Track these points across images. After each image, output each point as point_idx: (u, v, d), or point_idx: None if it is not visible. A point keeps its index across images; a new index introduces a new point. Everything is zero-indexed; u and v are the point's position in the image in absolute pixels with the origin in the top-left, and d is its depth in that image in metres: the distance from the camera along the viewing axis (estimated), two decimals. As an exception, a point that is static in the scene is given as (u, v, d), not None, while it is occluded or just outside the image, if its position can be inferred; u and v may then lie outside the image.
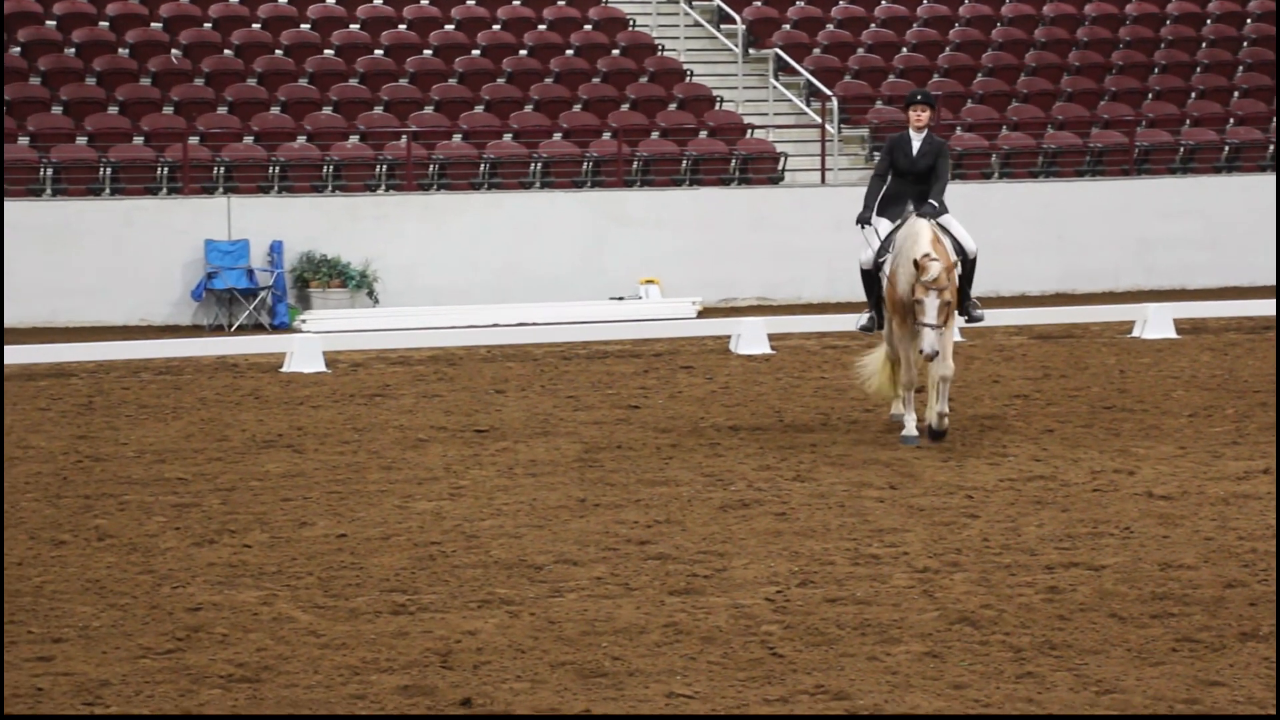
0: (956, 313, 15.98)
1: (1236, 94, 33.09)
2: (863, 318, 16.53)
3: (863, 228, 16.11)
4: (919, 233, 15.44)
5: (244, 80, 29.75)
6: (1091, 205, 30.18)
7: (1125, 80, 32.92)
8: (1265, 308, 25.63)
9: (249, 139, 28.71)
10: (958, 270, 15.69)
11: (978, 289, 16.71)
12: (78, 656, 9.81)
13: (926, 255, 15.20)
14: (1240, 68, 33.73)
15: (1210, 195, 30.64)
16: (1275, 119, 32.31)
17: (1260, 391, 18.74)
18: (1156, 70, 33.33)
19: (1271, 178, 31.05)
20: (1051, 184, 30.58)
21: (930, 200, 15.76)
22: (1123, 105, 32.27)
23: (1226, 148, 31.73)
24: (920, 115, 15.98)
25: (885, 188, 16.07)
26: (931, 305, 15.15)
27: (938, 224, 15.71)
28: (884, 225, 15.99)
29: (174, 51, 29.90)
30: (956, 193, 29.35)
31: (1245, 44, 34.10)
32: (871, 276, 16.10)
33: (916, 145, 15.98)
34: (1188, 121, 32.15)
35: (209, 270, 26.72)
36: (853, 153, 31.03)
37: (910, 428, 15.77)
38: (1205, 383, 19.53)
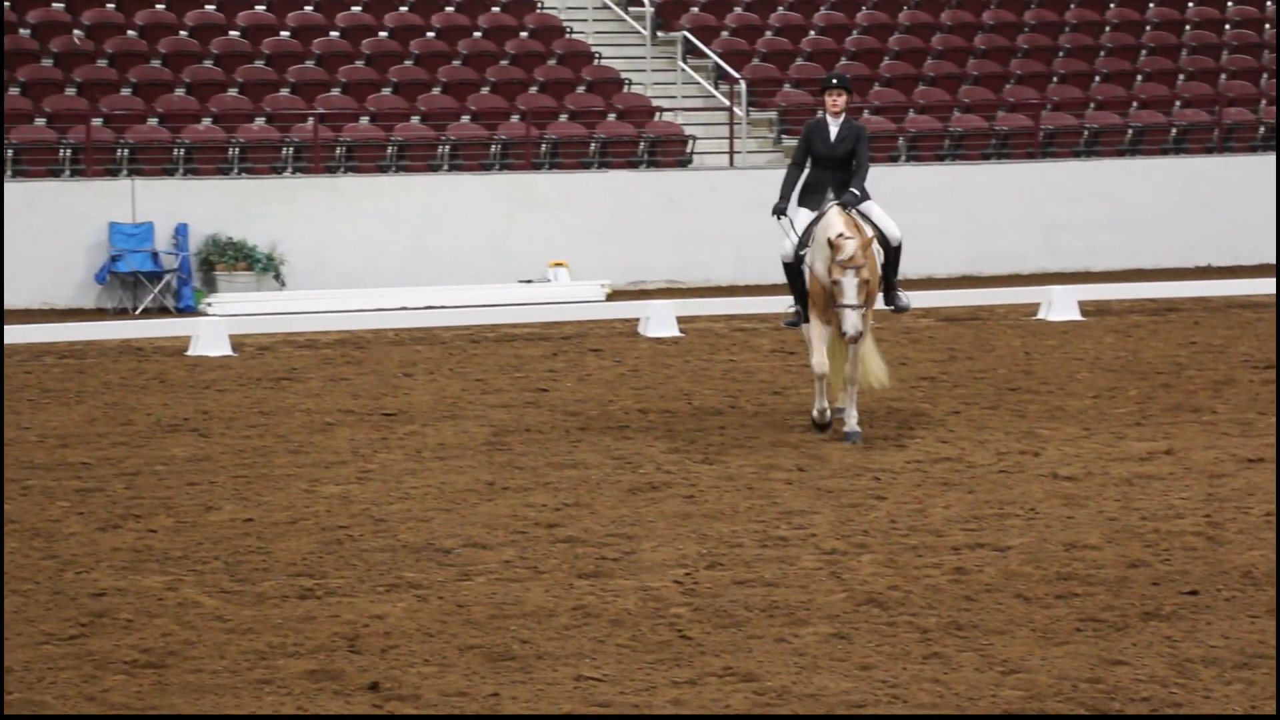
0: (870, 317, 15.44)
1: (1139, 78, 33.37)
2: (789, 312, 16.03)
3: (778, 219, 15.47)
4: (833, 217, 15.03)
5: (148, 62, 29.48)
6: (997, 188, 30.37)
7: (1030, 64, 33.13)
8: (1168, 290, 25.88)
9: (153, 121, 28.45)
10: (880, 257, 15.34)
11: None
12: (-20, 643, 9.71)
13: (840, 234, 14.78)
14: (1143, 52, 34.01)
15: (1114, 178, 30.88)
16: (1176, 103, 32.60)
17: (1163, 373, 18.92)
18: (1060, 54, 33.56)
19: (1172, 160, 31.35)
20: (958, 167, 30.74)
21: (851, 189, 15.26)
22: (1028, 89, 32.47)
23: (1130, 131, 31.99)
24: (837, 100, 15.48)
25: (805, 176, 15.57)
26: (850, 285, 14.77)
27: (859, 212, 15.24)
28: (804, 216, 15.48)
29: (76, 32, 29.59)
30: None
31: (1148, 28, 34.39)
32: (794, 270, 15.59)
33: (834, 131, 15.48)
34: (1092, 105, 32.38)
35: (113, 253, 26.48)
36: (761, 135, 31.09)
37: (851, 424, 15.13)
38: (1109, 364, 19.70)
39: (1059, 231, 30.41)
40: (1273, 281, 26.23)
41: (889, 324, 23.51)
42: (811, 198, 15.46)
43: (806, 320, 15.49)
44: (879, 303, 15.86)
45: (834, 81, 15.58)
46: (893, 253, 15.60)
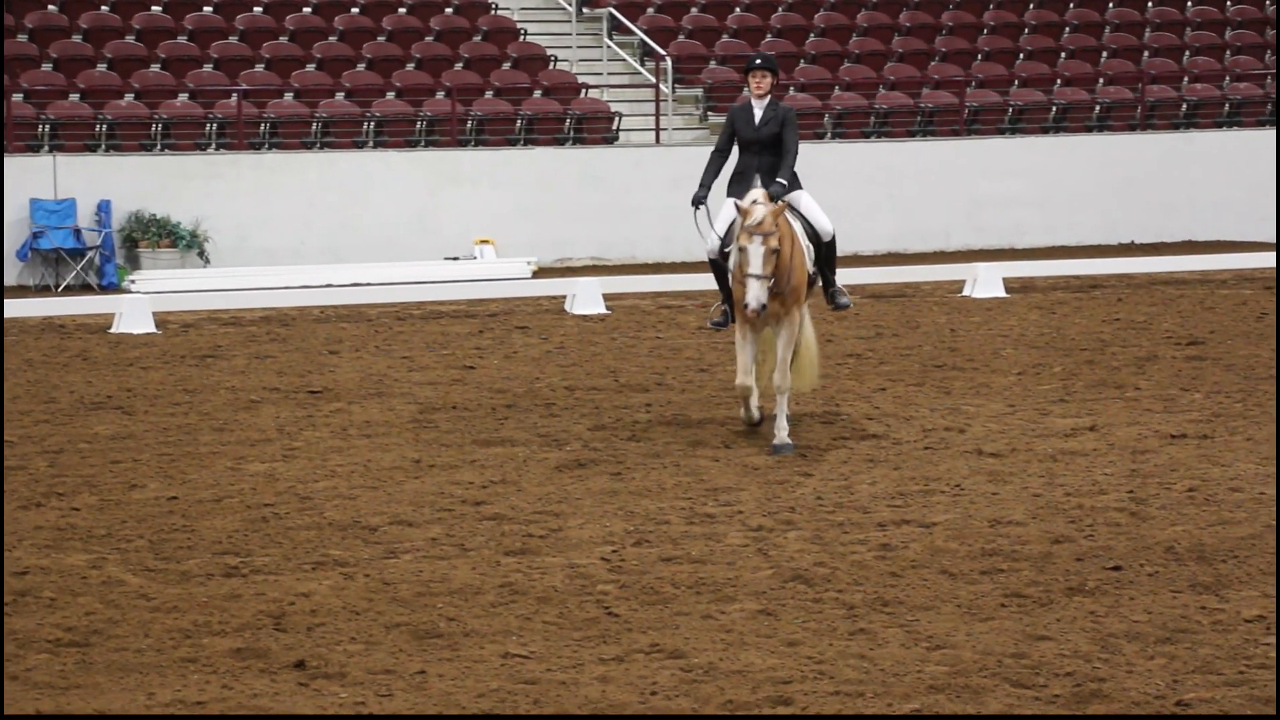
0: (802, 313, 14.21)
1: (1063, 55, 33.54)
2: (715, 313, 14.71)
3: (697, 209, 14.03)
4: (750, 193, 13.75)
5: (70, 37, 29.23)
6: (922, 165, 30.48)
7: (955, 41, 33.25)
8: (1092, 267, 26.05)
9: (75, 96, 28.22)
10: (810, 254, 14.11)
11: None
12: (-99, 623, 9.62)
13: (755, 201, 13.55)
14: (1066, 29, 34.18)
15: (1038, 155, 31.04)
16: (1100, 80, 32.78)
17: (1087, 350, 19.05)
18: (985, 31, 33.69)
19: (1096, 137, 31.54)
20: (883, 144, 30.83)
21: (778, 178, 13.97)
22: (953, 66, 32.60)
23: (1054, 108, 32.15)
24: (761, 81, 14.29)
25: (733, 163, 14.34)
26: (755, 252, 13.36)
27: (787, 204, 13.95)
28: (729, 209, 14.13)
29: (-3, 7, 29.32)
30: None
31: (1071, 5, 34.55)
32: (720, 266, 14.30)
33: (759, 113, 14.25)
34: (1016, 82, 32.53)
35: (34, 230, 26.26)
36: (687, 112, 31.09)
37: (781, 436, 13.88)
38: (1033, 341, 19.81)
39: (984, 209, 30.55)
40: (1193, 259, 26.48)
41: (815, 300, 23.56)
42: (738, 187, 14.15)
43: (734, 321, 14.18)
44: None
45: (758, 62, 14.48)
46: (825, 247, 14.43)
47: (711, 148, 14.44)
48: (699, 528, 11.59)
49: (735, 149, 14.31)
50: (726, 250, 14.03)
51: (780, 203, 13.69)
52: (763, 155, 14.17)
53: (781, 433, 13.87)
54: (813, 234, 14.23)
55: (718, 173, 14.16)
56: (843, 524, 11.64)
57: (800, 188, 14.25)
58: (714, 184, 14.00)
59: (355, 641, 9.29)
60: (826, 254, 14.40)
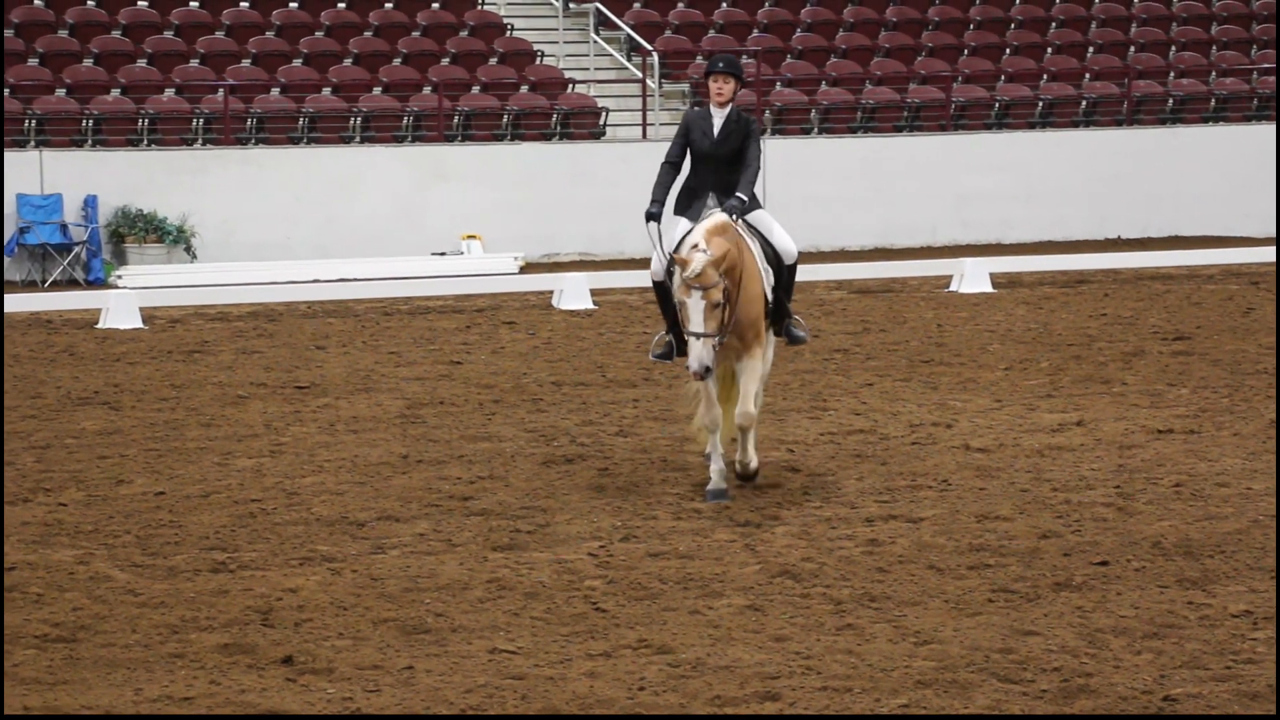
0: (768, 336, 12.68)
1: (1049, 51, 33.56)
2: (658, 344, 12.89)
3: (648, 223, 12.39)
4: (700, 227, 12.15)
5: (56, 31, 29.18)
6: (909, 160, 30.48)
7: (941, 36, 33.26)
8: (1079, 262, 26.07)
9: (61, 91, 28.17)
10: (769, 279, 12.46)
11: (794, 296, 12.95)
12: (-112, 619, 9.61)
13: (695, 247, 11.89)
14: (1053, 25, 34.21)
15: (1025, 150, 31.06)
16: (1085, 75, 32.79)
17: (1074, 345, 19.06)
18: (972, 27, 33.71)
19: (1082, 133, 31.56)
20: (870, 139, 30.83)
21: (737, 194, 12.31)
22: (939, 61, 32.61)
23: (1040, 104, 32.18)
24: (722, 87, 12.55)
25: (685, 177, 12.69)
26: (696, 308, 11.78)
27: (745, 223, 12.44)
28: (681, 226, 12.56)
29: (-17, 1, 29.26)
30: (778, 149, 29.68)
31: (1058, 1, 34.56)
32: (664, 290, 12.57)
33: (718, 124, 12.54)
34: (1003, 77, 32.55)
35: (21, 225, 26.21)
36: (673, 108, 31.07)
37: (716, 479, 12.27)
38: (1020, 336, 19.83)
39: (970, 204, 30.57)
40: (1180, 254, 26.53)
41: (802, 295, 23.58)
42: (690, 204, 12.59)
43: (682, 355, 12.35)
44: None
45: (720, 65, 12.64)
46: (786, 272, 12.69)
47: (662, 160, 12.61)
48: (686, 523, 11.59)
49: (688, 161, 12.65)
50: (673, 271, 12.24)
51: (732, 222, 12.15)
52: (719, 172, 12.51)
53: (749, 466, 12.44)
54: (773, 256, 12.59)
55: (670, 185, 12.59)
56: (830, 519, 11.64)
57: (760, 206, 12.69)
58: (666, 199, 12.55)
59: (343, 637, 9.29)
60: (786, 280, 12.71)
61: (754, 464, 12.53)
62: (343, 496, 12.42)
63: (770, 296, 12.50)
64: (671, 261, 12.12)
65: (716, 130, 12.58)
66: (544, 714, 8.23)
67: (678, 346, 12.56)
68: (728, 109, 12.62)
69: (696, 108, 13.13)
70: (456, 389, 16.79)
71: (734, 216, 12.25)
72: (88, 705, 8.32)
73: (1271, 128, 31.38)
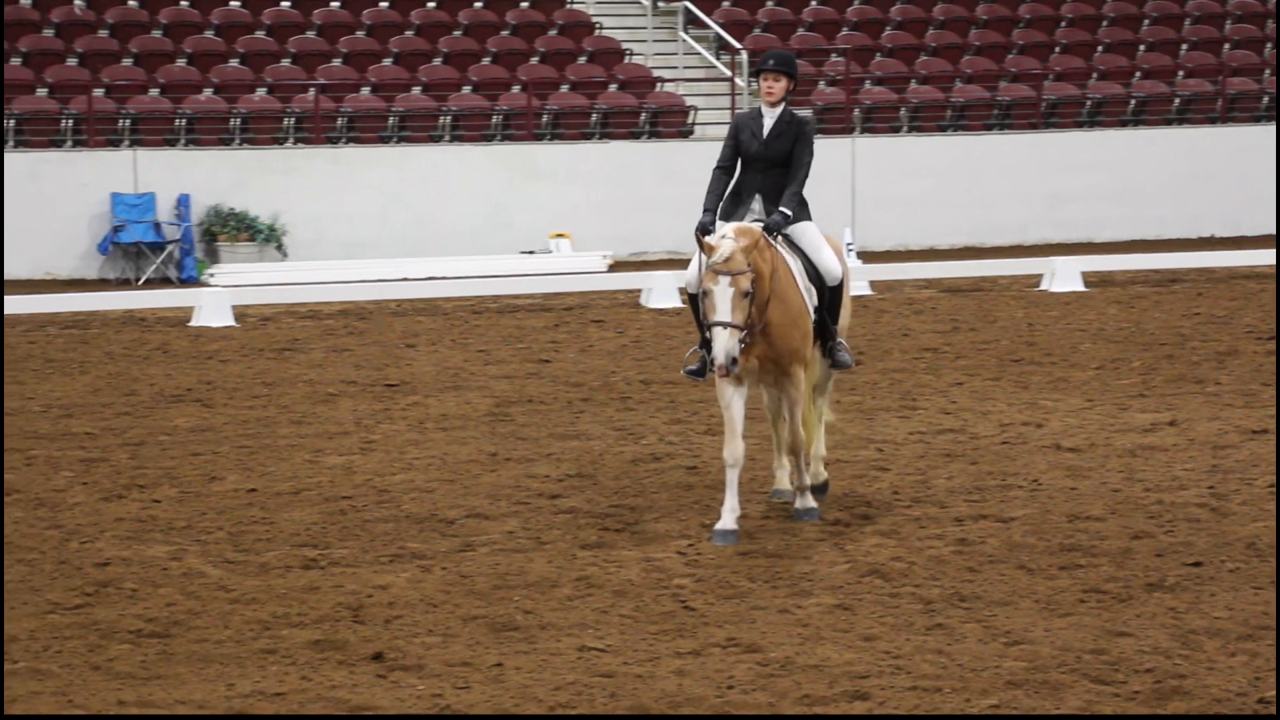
0: (828, 363, 11.90)
1: (1142, 48, 33.31)
2: (691, 359, 11.78)
3: (702, 236, 11.22)
4: (724, 227, 11.26)
5: (149, 32, 29.44)
6: (1000, 159, 30.34)
7: (1032, 34, 33.07)
8: (1172, 260, 25.86)
9: (155, 91, 28.42)
10: (811, 299, 11.56)
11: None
12: (-15, 613, 9.72)
13: (723, 236, 11.05)
14: (1145, 21, 33.94)
15: (1117, 149, 30.85)
16: (1179, 73, 32.53)
17: (1166, 344, 18.91)
18: (1063, 24, 33.50)
19: (1176, 130, 31.31)
20: (960, 137, 30.70)
21: (780, 208, 11.52)
22: (1030, 59, 32.42)
23: (1133, 101, 31.94)
24: (773, 86, 11.75)
25: (733, 182, 11.88)
26: (723, 295, 10.88)
27: (787, 239, 11.61)
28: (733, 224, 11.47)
29: (77, 3, 29.54)
30: (867, 147, 29.64)
31: (1151, -1, 34.34)
32: (698, 303, 11.43)
33: (768, 125, 11.73)
34: (1094, 75, 32.33)
35: (115, 224, 26.47)
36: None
37: (726, 519, 11.17)
38: (1112, 335, 19.69)
39: (1062, 202, 30.39)
40: (1274, 253, 26.23)
41: (891, 294, 23.50)
42: (735, 210, 11.74)
43: (714, 371, 11.19)
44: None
45: (771, 62, 11.85)
46: (830, 293, 11.76)
47: (714, 166, 11.86)
48: (775, 522, 11.57)
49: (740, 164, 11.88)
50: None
51: (762, 233, 11.24)
52: (768, 175, 11.73)
53: (807, 498, 11.65)
54: (815, 275, 11.69)
55: (723, 193, 11.78)
56: (919, 519, 11.60)
57: (808, 215, 11.84)
58: (719, 207, 11.69)
59: (432, 634, 9.33)
60: (831, 301, 11.78)
61: (820, 478, 11.98)
62: (432, 494, 12.47)
63: (814, 317, 11.61)
64: (700, 247, 11.12)
65: (766, 131, 11.77)
66: (631, 714, 8.23)
67: (712, 364, 11.21)
68: (779, 109, 11.80)
69: (748, 109, 12.20)
70: (545, 387, 16.83)
71: (775, 235, 11.39)
72: (181, 700, 8.39)
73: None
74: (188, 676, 8.71)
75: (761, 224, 11.42)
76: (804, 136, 11.72)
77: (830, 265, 11.71)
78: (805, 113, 12.47)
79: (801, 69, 30.83)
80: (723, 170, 11.81)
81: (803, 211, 11.76)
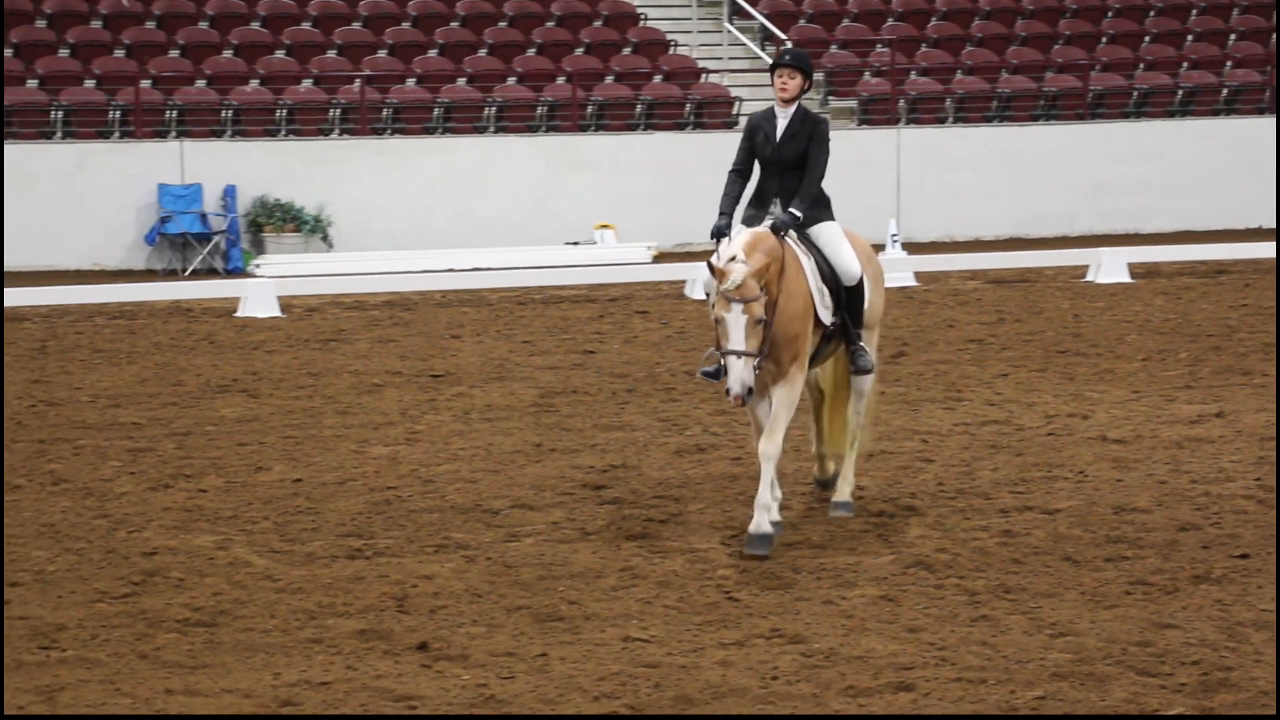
0: (852, 363, 11.60)
1: (1190, 38, 33.14)
2: (707, 360, 11.25)
3: (717, 242, 11.22)
4: (739, 239, 11.01)
5: (196, 23, 29.54)
6: (1046, 149, 30.22)
7: (1079, 24, 32.93)
8: (1218, 252, 25.74)
9: (201, 82, 28.52)
10: (822, 299, 11.24)
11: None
12: (34, 600, 9.79)
13: (733, 259, 10.74)
14: (1193, 11, 33.77)
15: (1164, 139, 30.70)
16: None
17: (1213, 335, 18.83)
18: (1109, 14, 33.35)
19: (1223, 121, 31.14)
20: (1006, 128, 30.59)
21: (790, 209, 11.22)
22: (1076, 49, 32.29)
23: (1180, 92, 31.79)
24: (787, 83, 11.38)
25: (754, 183, 11.64)
26: (736, 324, 10.57)
27: (801, 239, 11.31)
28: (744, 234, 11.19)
29: (125, -6, 29.67)
30: (912, 138, 29.56)
31: (1199, -12, 34.15)
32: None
33: (781, 126, 11.41)
34: (1141, 66, 32.18)
35: (162, 214, 26.57)
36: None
37: (761, 522, 10.74)
38: (1159, 327, 19.62)
39: (1108, 193, 30.26)
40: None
41: (936, 285, 23.44)
42: (756, 214, 11.44)
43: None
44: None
45: (785, 59, 11.48)
46: (847, 293, 11.42)
47: (729, 168, 11.64)
48: (820, 513, 11.56)
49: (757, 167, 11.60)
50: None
51: (780, 238, 11.04)
52: (785, 178, 11.40)
53: (762, 514, 10.75)
54: (831, 276, 11.35)
55: (739, 196, 11.49)
56: (964, 510, 11.58)
57: (829, 215, 11.50)
58: (735, 210, 11.43)
59: (477, 624, 9.35)
60: (850, 301, 11.45)
61: (765, 519, 10.74)
62: (477, 484, 12.49)
63: (831, 320, 11.30)
64: (710, 272, 10.77)
65: (779, 133, 11.43)
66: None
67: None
68: (793, 108, 11.45)
69: (762, 110, 11.79)
70: (589, 378, 16.84)
71: (782, 234, 11.08)
72: (228, 688, 8.43)
73: None
74: (234, 665, 8.75)
75: (773, 224, 11.12)
76: (818, 135, 11.37)
77: (848, 265, 11.35)
78: (830, 111, 12.06)
79: (846, 60, 31.03)
80: (737, 173, 11.55)
81: (821, 212, 11.44)
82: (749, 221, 11.34)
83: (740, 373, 10.58)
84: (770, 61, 11.19)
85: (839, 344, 11.54)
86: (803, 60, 11.48)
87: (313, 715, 8.06)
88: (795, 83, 11.39)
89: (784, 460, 12.88)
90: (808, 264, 11.21)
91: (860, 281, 11.42)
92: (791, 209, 11.20)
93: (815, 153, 11.32)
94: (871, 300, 11.68)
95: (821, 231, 11.40)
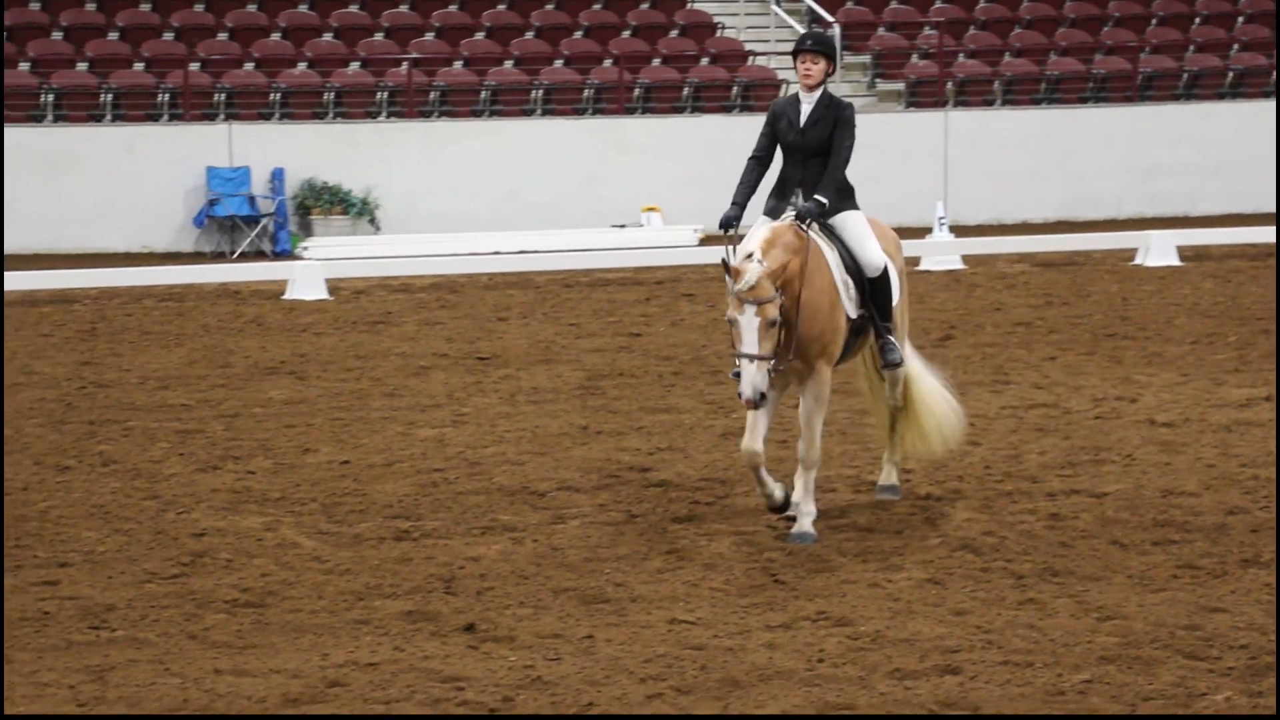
0: (889, 362, 11.21)
1: (1240, 19, 32.95)
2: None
3: (725, 233, 10.76)
4: (755, 233, 10.70)
5: (244, 6, 29.63)
6: (1094, 132, 30.10)
7: (1128, 6, 32.77)
8: (1267, 234, 25.60)
9: (250, 65, 28.61)
10: (848, 292, 10.91)
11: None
12: (83, 581, 9.86)
13: (749, 256, 10.43)
14: (1244, -6, 33.57)
15: (1213, 122, 30.54)
16: (1278, 45, 32.15)
17: (1262, 319, 18.74)
18: (1160, -4, 33.18)
19: (1273, 104, 30.95)
20: (1054, 110, 30.48)
21: (815, 196, 10.87)
22: (1125, 31, 32.13)
23: (1230, 74, 31.62)
24: (810, 68, 11.05)
25: (777, 170, 11.22)
26: (749, 326, 10.27)
27: (823, 229, 10.95)
28: (758, 230, 10.83)
29: (174, -23, 29.78)
30: (960, 121, 29.45)
31: (1249, -30, 33.95)
32: None
33: (805, 112, 11.05)
34: (1191, 48, 32.01)
35: (211, 197, 26.68)
36: (854, 79, 30.92)
37: (802, 522, 10.67)
38: (1208, 310, 19.53)
39: (1157, 176, 30.13)
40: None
41: (984, 269, 23.38)
42: (776, 204, 11.08)
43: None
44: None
45: (807, 43, 11.15)
46: (872, 285, 11.04)
47: (749, 154, 11.32)
48: (865, 496, 11.56)
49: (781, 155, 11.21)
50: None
51: (794, 222, 10.75)
52: (808, 166, 11.03)
53: (805, 518, 10.68)
54: (852, 268, 10.98)
55: (755, 185, 11.11)
56: (1011, 493, 11.56)
57: (853, 204, 11.13)
58: (748, 200, 11.05)
59: (524, 606, 9.38)
60: (877, 293, 11.06)
61: (807, 517, 10.66)
62: (523, 467, 12.52)
63: (857, 314, 10.95)
64: (725, 270, 10.41)
65: (803, 118, 11.05)
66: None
67: None
68: (817, 93, 11.07)
69: (785, 95, 11.29)
70: (636, 361, 16.86)
71: (806, 223, 10.75)
72: (275, 668, 8.47)
73: None
74: (282, 646, 8.79)
75: (797, 212, 10.81)
76: (843, 121, 10.96)
77: (871, 257, 10.97)
78: (877, 94, 11.85)
79: (893, 42, 30.93)
80: (756, 160, 11.18)
81: (846, 201, 11.07)
82: (771, 213, 11.02)
83: (752, 376, 10.29)
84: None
85: (866, 338, 11.23)
86: (825, 44, 11.14)
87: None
88: (819, 68, 11.04)
89: (853, 425, 12.87)
90: (831, 256, 10.88)
91: (885, 272, 11.04)
92: (818, 196, 10.87)
93: (840, 139, 10.96)
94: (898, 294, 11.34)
95: (847, 222, 11.05)
